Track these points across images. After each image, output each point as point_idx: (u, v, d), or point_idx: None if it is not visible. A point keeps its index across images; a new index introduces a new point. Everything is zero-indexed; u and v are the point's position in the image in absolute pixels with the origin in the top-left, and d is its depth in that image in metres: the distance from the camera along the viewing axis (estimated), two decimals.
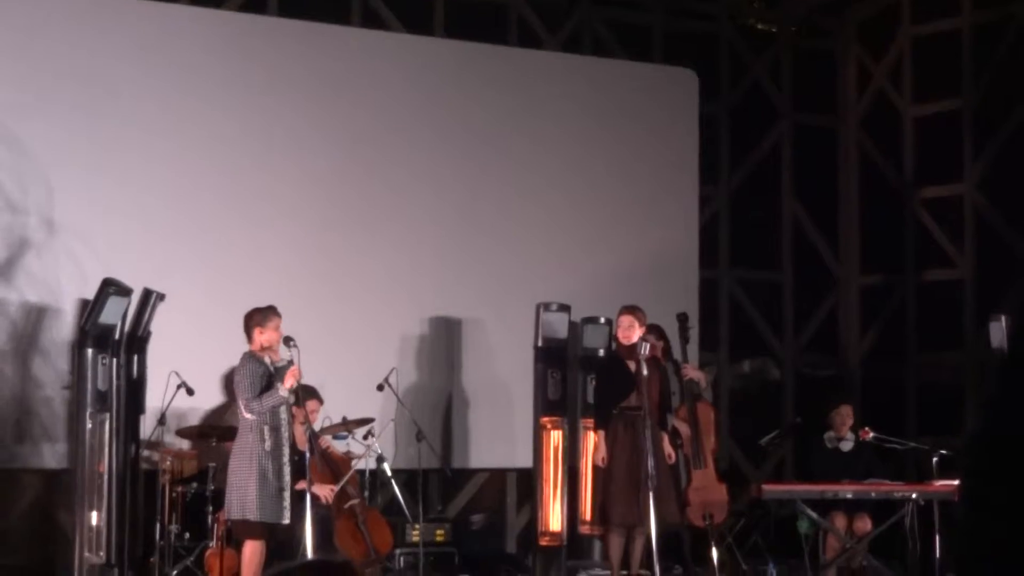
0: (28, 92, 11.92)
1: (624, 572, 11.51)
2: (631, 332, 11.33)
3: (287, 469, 10.27)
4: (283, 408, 10.28)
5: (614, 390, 11.33)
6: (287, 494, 10.23)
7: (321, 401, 11.84)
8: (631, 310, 11.45)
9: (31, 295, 11.75)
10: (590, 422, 12.05)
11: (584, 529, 12.39)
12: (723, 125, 15.61)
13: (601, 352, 12.68)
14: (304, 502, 10.35)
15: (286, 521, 10.21)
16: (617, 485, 11.18)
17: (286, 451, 10.29)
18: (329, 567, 7.42)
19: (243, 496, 10.17)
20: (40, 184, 11.86)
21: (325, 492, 11.15)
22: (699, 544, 12.92)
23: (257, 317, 10.39)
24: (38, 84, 11.96)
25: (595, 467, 11.46)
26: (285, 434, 10.31)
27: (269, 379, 10.26)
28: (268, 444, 10.19)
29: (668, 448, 11.54)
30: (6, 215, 11.76)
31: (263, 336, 10.35)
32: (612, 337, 11.86)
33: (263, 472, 10.16)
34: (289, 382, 10.18)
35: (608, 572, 11.79)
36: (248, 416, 10.24)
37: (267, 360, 10.36)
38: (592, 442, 11.74)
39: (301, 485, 10.42)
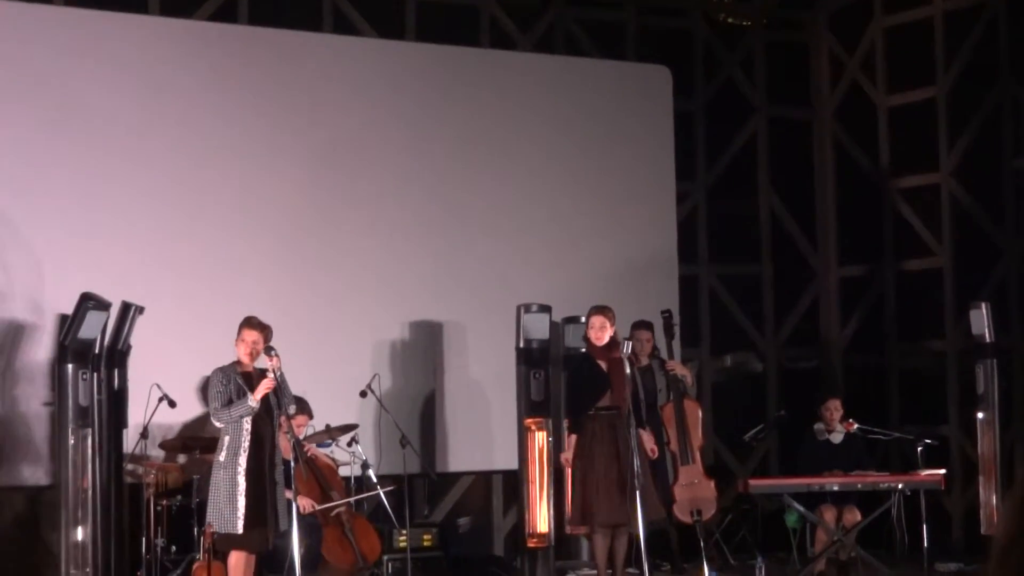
0: (1, 104, 11.85)
1: (609, 572, 11.51)
2: (603, 333, 11.34)
3: (241, 479, 10.19)
4: (247, 420, 10.21)
5: (589, 392, 11.33)
6: (241, 503, 10.17)
7: (311, 415, 11.79)
8: (601, 310, 11.46)
9: (9, 312, 11.68)
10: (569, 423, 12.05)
11: (567, 529, 12.38)
12: (698, 121, 15.61)
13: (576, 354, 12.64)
14: (291, 513, 10.33)
15: (239, 530, 10.16)
16: (599, 485, 11.17)
17: (243, 461, 10.22)
18: None
19: (212, 508, 10.23)
20: (14, 199, 11.80)
21: (305, 503, 11.09)
22: (687, 540, 12.93)
23: (256, 329, 10.41)
24: (8, 97, 11.90)
25: (573, 468, 11.45)
26: (245, 445, 10.23)
27: (239, 390, 10.25)
28: (223, 455, 10.18)
29: (651, 444, 11.54)
30: None
31: (238, 348, 10.37)
32: (583, 338, 11.84)
33: (215, 484, 10.18)
34: (259, 393, 10.16)
35: (595, 572, 11.77)
36: (217, 424, 10.29)
37: (243, 370, 10.35)
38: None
39: (289, 494, 10.41)
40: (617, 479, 11.12)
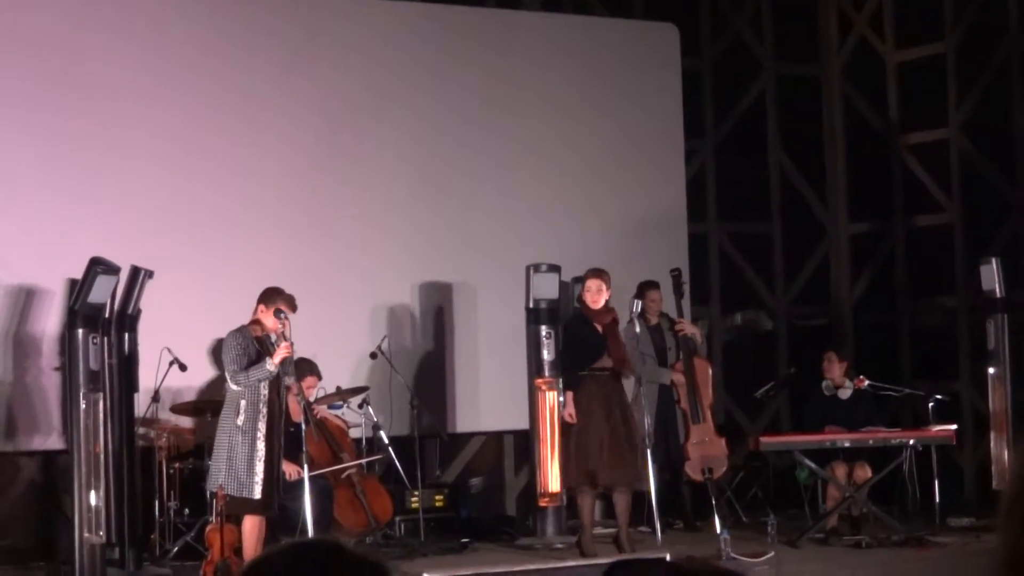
0: (5, 68, 11.84)
1: (614, 530, 11.54)
2: (599, 296, 11.38)
3: (261, 444, 10.26)
4: (265, 384, 10.28)
5: (586, 353, 11.36)
6: (259, 468, 10.24)
7: (319, 377, 11.82)
8: (598, 274, 11.48)
9: (18, 277, 11.70)
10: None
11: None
12: (706, 79, 15.56)
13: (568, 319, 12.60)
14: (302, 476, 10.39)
15: (256, 496, 10.24)
16: (592, 446, 11.22)
17: (262, 426, 10.29)
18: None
19: (218, 471, 10.27)
20: (24, 163, 11.80)
21: (291, 471, 10.99)
22: (699, 498, 12.95)
23: (270, 295, 10.43)
24: (15, 62, 11.88)
25: (564, 427, 11.48)
26: (263, 410, 10.31)
27: (258, 354, 10.31)
28: (241, 419, 10.25)
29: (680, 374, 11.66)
30: None
31: (263, 318, 10.39)
32: (577, 299, 11.84)
33: (232, 446, 10.23)
34: (278, 356, 10.21)
35: (610, 530, 11.81)
36: (234, 387, 10.32)
37: (256, 335, 10.39)
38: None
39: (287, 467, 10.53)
40: (610, 440, 11.19)
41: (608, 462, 11.24)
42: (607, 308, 11.44)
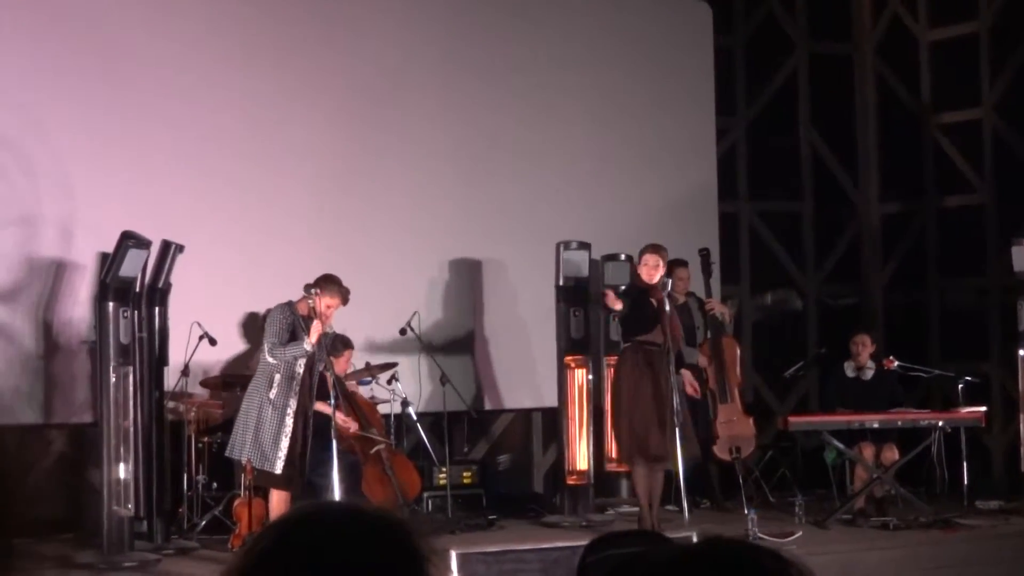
0: (43, 42, 11.85)
1: (638, 509, 11.52)
2: (655, 272, 11.29)
3: (289, 420, 10.36)
4: (300, 363, 10.38)
5: (642, 323, 11.29)
6: (284, 444, 10.33)
7: (352, 348, 11.87)
8: (657, 249, 11.40)
9: (49, 250, 11.73)
10: (613, 359, 12.03)
11: (611, 467, 12.38)
12: (738, 57, 15.52)
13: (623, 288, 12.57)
14: (331, 451, 10.44)
15: (278, 471, 10.32)
16: (643, 420, 11.17)
17: (293, 402, 10.38)
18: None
19: (244, 442, 10.36)
20: (56, 138, 11.82)
21: (348, 423, 11.17)
22: (727, 478, 12.94)
23: (325, 283, 10.51)
24: (47, 37, 11.90)
25: (615, 402, 11.43)
26: (296, 388, 10.40)
27: (294, 332, 10.39)
28: (274, 392, 10.34)
29: (693, 381, 11.56)
30: (23, 170, 11.72)
31: (322, 301, 10.42)
32: (634, 275, 11.79)
33: (261, 418, 10.32)
34: (313, 336, 10.30)
35: (637, 508, 11.80)
36: (270, 360, 10.41)
37: (305, 313, 10.49)
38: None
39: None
40: (657, 415, 11.13)
41: (656, 437, 11.18)
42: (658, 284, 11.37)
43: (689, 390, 11.45)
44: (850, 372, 12.76)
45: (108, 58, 12.10)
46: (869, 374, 12.71)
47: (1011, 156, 14.77)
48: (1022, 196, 14.48)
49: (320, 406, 10.80)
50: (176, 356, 11.45)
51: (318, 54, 12.98)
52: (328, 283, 10.54)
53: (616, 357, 11.88)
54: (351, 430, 11.25)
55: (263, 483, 10.48)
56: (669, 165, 14.34)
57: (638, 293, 11.50)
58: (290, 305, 10.58)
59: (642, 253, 11.49)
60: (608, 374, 12.10)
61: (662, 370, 11.12)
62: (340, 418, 11.09)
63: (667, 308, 11.10)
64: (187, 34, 12.45)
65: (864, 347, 12.71)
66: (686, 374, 11.46)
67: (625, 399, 11.28)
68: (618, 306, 11.26)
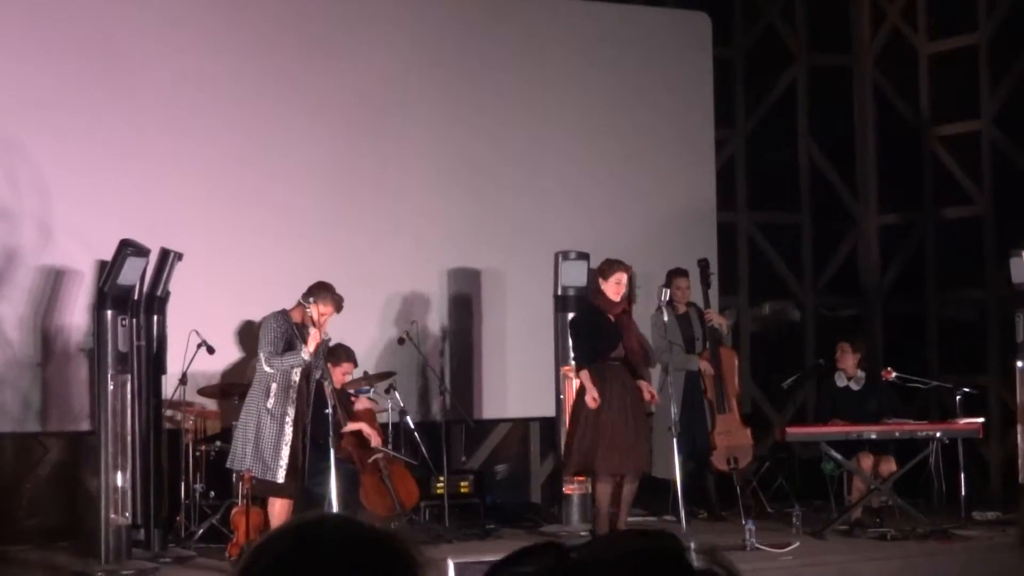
0: (43, 50, 11.87)
1: (612, 510, 11.46)
2: (620, 289, 11.35)
3: (288, 429, 10.37)
4: (296, 371, 10.40)
5: (601, 342, 11.34)
6: (285, 452, 10.35)
7: (355, 363, 11.80)
8: (626, 268, 11.43)
9: (48, 258, 11.74)
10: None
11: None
12: (738, 68, 15.53)
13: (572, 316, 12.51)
14: (329, 460, 10.45)
15: (280, 480, 10.34)
16: (610, 434, 11.20)
17: (291, 411, 10.39)
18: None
19: (244, 453, 10.37)
20: (55, 144, 11.83)
21: (369, 432, 11.26)
22: (724, 488, 12.94)
23: (319, 291, 10.48)
24: (48, 44, 11.91)
25: (575, 414, 11.44)
26: (293, 396, 10.41)
27: (289, 341, 10.39)
28: (271, 402, 10.34)
29: (650, 388, 11.54)
30: (22, 177, 11.73)
31: (317, 308, 10.42)
32: (595, 290, 11.73)
33: (260, 428, 10.33)
34: (311, 345, 10.30)
35: (640, 518, 11.81)
36: (267, 369, 10.41)
37: (299, 321, 10.49)
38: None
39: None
40: (624, 428, 11.18)
41: (621, 449, 11.21)
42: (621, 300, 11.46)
43: (647, 396, 11.45)
44: (840, 382, 12.75)
45: (108, 66, 12.11)
46: (859, 384, 12.71)
47: (1010, 168, 14.78)
48: (1021, 208, 14.48)
49: (353, 425, 10.92)
50: (174, 364, 11.45)
51: (318, 63, 12.99)
52: (322, 291, 10.54)
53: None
54: (373, 443, 11.31)
55: (264, 493, 10.47)
56: (668, 175, 14.34)
57: (590, 313, 11.50)
58: (284, 313, 10.58)
59: (611, 269, 11.44)
60: (580, 374, 11.94)
61: (628, 383, 11.21)
62: (366, 430, 11.13)
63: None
64: (188, 43, 12.46)
65: (844, 353, 12.70)
66: (643, 384, 11.46)
67: (590, 414, 11.28)
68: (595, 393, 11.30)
